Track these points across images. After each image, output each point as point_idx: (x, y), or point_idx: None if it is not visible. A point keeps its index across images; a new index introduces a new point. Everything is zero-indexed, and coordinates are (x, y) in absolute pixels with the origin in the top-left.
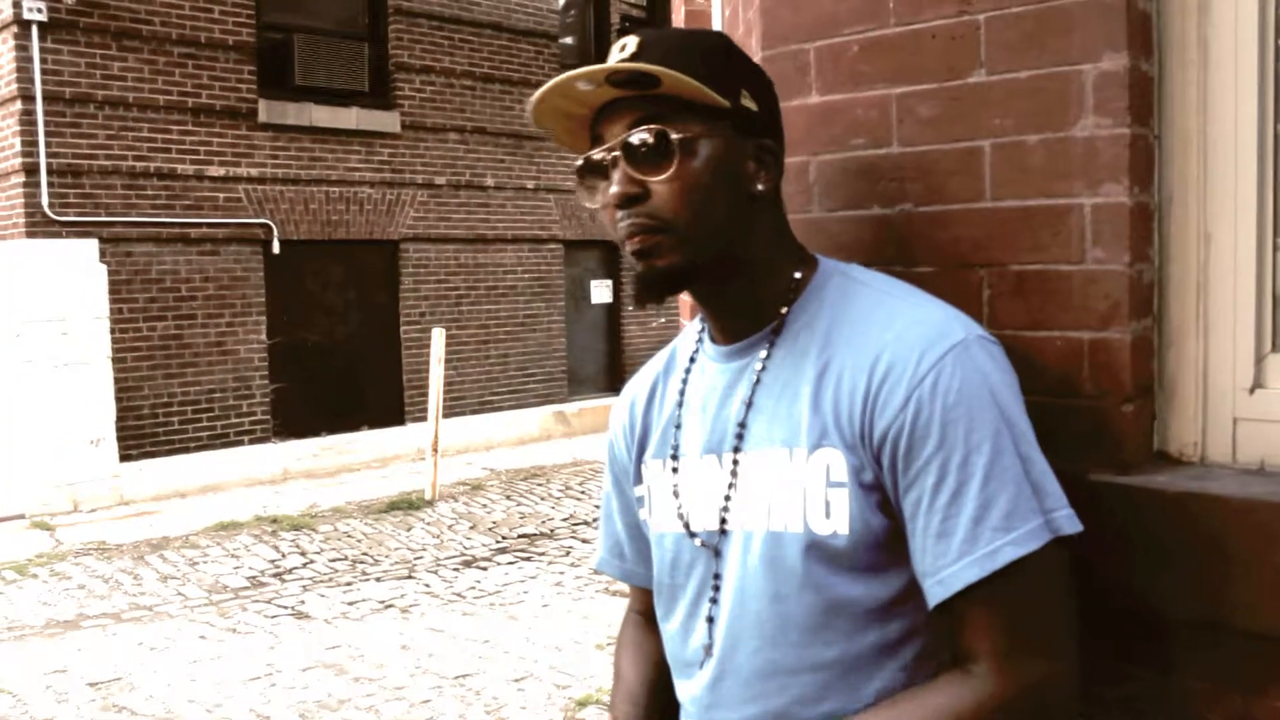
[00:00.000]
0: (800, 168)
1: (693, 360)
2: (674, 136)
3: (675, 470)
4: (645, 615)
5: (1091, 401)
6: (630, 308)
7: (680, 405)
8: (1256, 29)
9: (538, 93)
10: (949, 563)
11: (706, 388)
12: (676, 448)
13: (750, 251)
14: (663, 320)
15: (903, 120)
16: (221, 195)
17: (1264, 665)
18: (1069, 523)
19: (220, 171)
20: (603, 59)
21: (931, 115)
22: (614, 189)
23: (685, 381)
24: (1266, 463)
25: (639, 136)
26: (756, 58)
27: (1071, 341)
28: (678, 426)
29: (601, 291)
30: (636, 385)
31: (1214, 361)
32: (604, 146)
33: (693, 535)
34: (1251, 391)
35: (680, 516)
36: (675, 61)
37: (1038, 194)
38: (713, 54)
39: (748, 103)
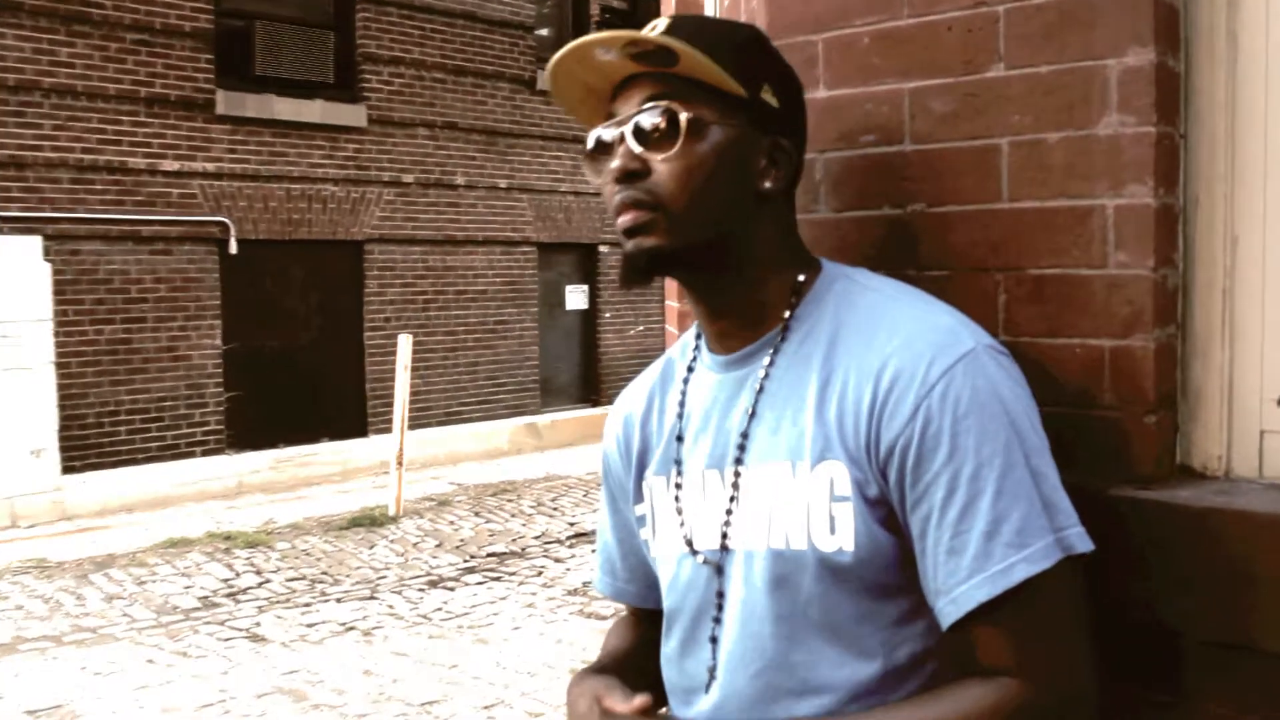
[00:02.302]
0: (807, 165)
1: (690, 371)
2: (683, 116)
3: (679, 487)
4: (637, 617)
5: (1112, 413)
6: (608, 315)
7: (681, 419)
8: None
9: (555, 56)
10: (960, 580)
11: (708, 400)
12: (680, 464)
13: (749, 250)
14: (641, 328)
15: (916, 116)
16: (175, 191)
17: None
18: (1080, 540)
19: (174, 166)
20: None
21: (946, 111)
22: (615, 163)
23: (684, 393)
24: None
25: (648, 112)
26: None
27: (1092, 350)
28: (679, 440)
29: (577, 297)
30: (631, 399)
31: (1240, 371)
32: (614, 120)
33: (695, 553)
34: None
35: (683, 534)
36: (700, 44)
37: (1058, 195)
38: (741, 44)
39: (769, 98)
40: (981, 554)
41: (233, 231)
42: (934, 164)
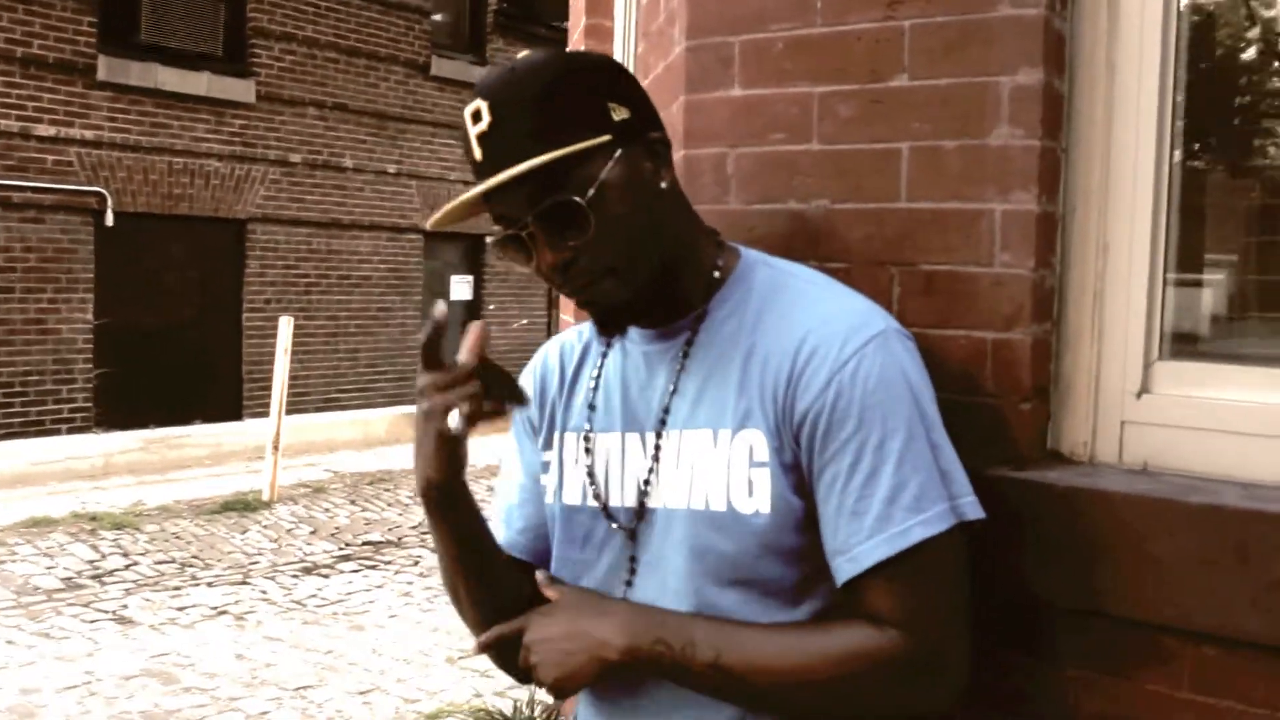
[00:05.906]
0: (718, 159)
1: (608, 345)
2: (580, 200)
3: (589, 448)
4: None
5: (992, 400)
6: (492, 306)
7: (598, 380)
8: (1159, 56)
9: (436, 218)
10: (861, 540)
11: (629, 367)
12: (591, 424)
13: (674, 246)
14: (525, 322)
15: (824, 118)
16: (50, 158)
17: (1134, 651)
18: (973, 509)
19: (50, 131)
20: (478, 39)
21: (852, 115)
22: (547, 260)
23: (604, 357)
24: (1149, 463)
25: (546, 216)
26: (679, 47)
27: (976, 341)
28: (592, 406)
29: (462, 287)
30: (556, 348)
31: (1106, 366)
32: (516, 226)
33: (610, 516)
34: (1139, 396)
35: (597, 496)
36: (538, 127)
37: (951, 197)
38: (570, 91)
39: (620, 114)
40: (882, 516)
41: (110, 203)
42: (839, 163)
